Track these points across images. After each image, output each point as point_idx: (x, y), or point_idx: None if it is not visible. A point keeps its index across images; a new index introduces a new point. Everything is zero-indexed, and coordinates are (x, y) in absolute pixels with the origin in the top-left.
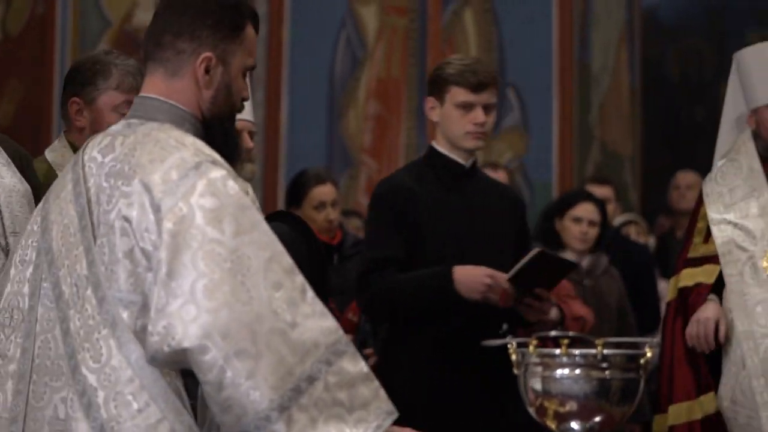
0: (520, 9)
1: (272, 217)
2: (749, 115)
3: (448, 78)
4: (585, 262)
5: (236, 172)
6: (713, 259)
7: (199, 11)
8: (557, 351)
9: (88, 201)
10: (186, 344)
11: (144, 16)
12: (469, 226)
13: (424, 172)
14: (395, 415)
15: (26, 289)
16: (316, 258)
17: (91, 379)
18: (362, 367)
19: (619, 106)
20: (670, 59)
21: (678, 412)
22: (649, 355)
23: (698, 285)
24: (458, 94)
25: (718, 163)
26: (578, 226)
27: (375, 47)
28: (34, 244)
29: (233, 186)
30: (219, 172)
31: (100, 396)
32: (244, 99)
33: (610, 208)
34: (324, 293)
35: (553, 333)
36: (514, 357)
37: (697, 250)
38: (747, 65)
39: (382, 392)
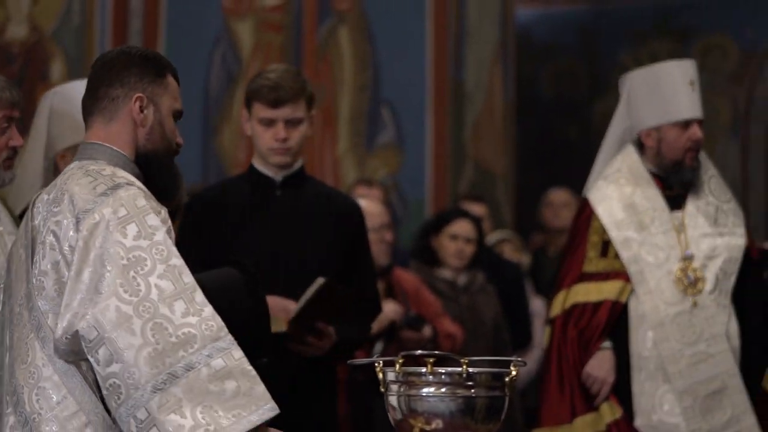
0: (395, 27)
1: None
2: (646, 133)
3: (249, 93)
4: (461, 279)
5: (178, 202)
6: (618, 275)
7: (125, 63)
8: (423, 369)
9: (33, 236)
10: (78, 329)
11: (16, 30)
12: (277, 239)
13: (240, 185)
14: (275, 411)
15: None
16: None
17: (20, 378)
18: (243, 363)
19: (493, 124)
20: (543, 78)
21: None
22: (514, 373)
23: (605, 302)
24: (259, 110)
25: (609, 177)
26: (455, 243)
27: (250, 64)
28: (1, 284)
29: (142, 201)
30: (132, 190)
31: (25, 392)
32: (179, 144)
33: (485, 225)
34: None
35: (418, 352)
36: (380, 375)
37: (595, 264)
38: (648, 84)
39: (263, 389)
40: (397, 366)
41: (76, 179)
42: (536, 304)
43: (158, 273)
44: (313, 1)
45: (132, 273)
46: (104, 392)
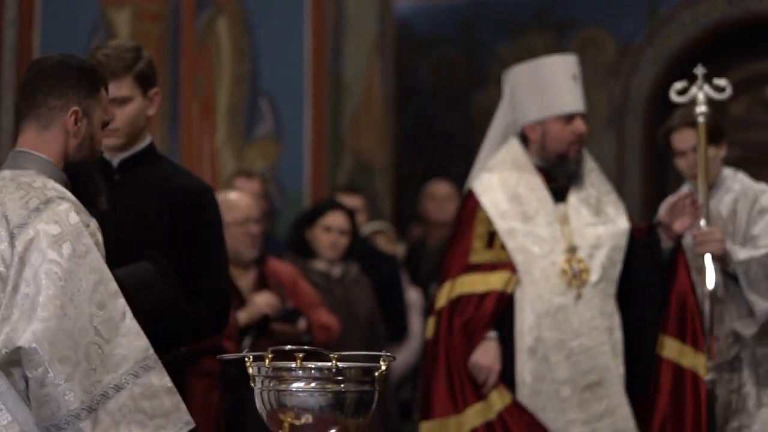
0: (273, 18)
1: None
2: (530, 126)
3: None
4: (336, 270)
5: (98, 206)
6: (504, 266)
7: (63, 74)
8: (292, 364)
9: None
10: (20, 344)
11: None
12: (116, 225)
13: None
14: (191, 426)
15: None
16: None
17: None
18: (166, 381)
19: (372, 116)
20: (424, 70)
21: (434, 429)
22: (383, 368)
23: (491, 292)
24: None
25: (494, 169)
26: (328, 235)
27: None
28: None
29: (74, 217)
30: (65, 205)
31: None
32: (101, 151)
33: (360, 217)
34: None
35: (288, 347)
36: (250, 370)
37: (481, 255)
38: (531, 79)
39: (183, 405)
40: (267, 361)
41: (8, 192)
42: (412, 295)
43: (93, 295)
44: None
45: (69, 294)
46: (34, 403)
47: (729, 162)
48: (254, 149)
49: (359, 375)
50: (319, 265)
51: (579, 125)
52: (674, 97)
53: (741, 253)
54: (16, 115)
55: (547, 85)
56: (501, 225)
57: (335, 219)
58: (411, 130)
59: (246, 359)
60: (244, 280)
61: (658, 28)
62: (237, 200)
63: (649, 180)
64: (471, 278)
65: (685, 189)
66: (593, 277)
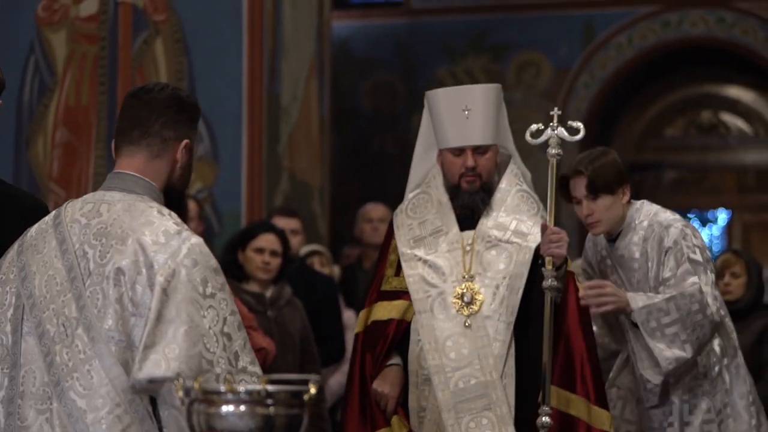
0: (210, 39)
1: None
2: (437, 153)
3: None
4: (268, 292)
5: None
6: (406, 294)
7: (178, 108)
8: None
9: (76, 256)
10: (166, 375)
11: None
12: None
13: None
14: None
15: (8, 328)
16: None
17: (81, 403)
18: None
19: (309, 137)
20: (361, 91)
21: None
22: (312, 391)
23: (391, 321)
24: None
25: (410, 195)
26: (260, 256)
27: (64, 74)
28: (13, 290)
29: (207, 251)
30: (197, 239)
31: (89, 417)
32: None
33: (298, 239)
34: None
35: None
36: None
37: (390, 283)
38: (435, 107)
39: None
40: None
41: (135, 217)
42: (348, 316)
43: (228, 325)
44: (128, 12)
45: (210, 327)
46: (175, 429)
47: (665, 185)
48: None
49: (289, 398)
50: (252, 287)
51: (466, 159)
52: (529, 138)
53: (639, 301)
54: (117, 138)
55: (439, 118)
56: (404, 252)
57: (267, 240)
58: (348, 152)
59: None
60: None
61: (594, 52)
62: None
63: None
64: (381, 306)
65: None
66: (486, 305)
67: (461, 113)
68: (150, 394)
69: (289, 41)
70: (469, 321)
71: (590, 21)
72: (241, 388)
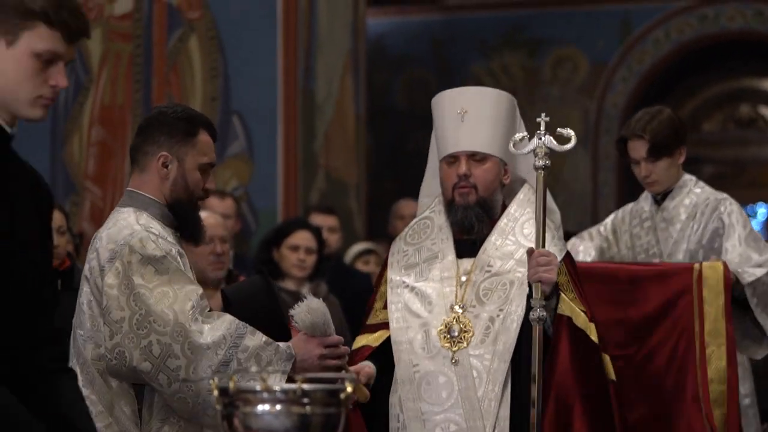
0: (245, 37)
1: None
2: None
3: None
4: (304, 290)
5: (195, 240)
6: (386, 326)
7: (159, 123)
8: (258, 386)
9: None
10: (134, 364)
11: None
12: (9, 220)
13: None
14: (293, 359)
15: None
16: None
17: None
18: (260, 338)
19: (344, 134)
20: (397, 88)
21: None
22: (349, 390)
23: (362, 347)
24: None
25: (413, 221)
26: (295, 254)
27: (99, 73)
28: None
29: (153, 246)
30: (144, 234)
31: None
32: (207, 190)
33: (336, 237)
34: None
35: (253, 368)
36: (215, 393)
37: (376, 316)
38: (436, 112)
39: (279, 346)
40: (231, 383)
41: (107, 226)
42: None
43: (178, 303)
44: (162, 9)
45: (161, 307)
46: (167, 399)
47: (703, 180)
48: (227, 169)
49: (325, 397)
50: (288, 284)
51: (460, 167)
52: (512, 148)
53: (746, 276)
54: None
55: (438, 125)
56: (392, 279)
57: (302, 237)
58: (383, 149)
59: (211, 381)
60: (211, 300)
61: (632, 47)
62: (203, 219)
63: (625, 198)
64: (359, 338)
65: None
66: (475, 341)
67: (457, 116)
68: (130, 380)
69: (324, 38)
70: (455, 357)
71: (627, 15)
72: (277, 387)
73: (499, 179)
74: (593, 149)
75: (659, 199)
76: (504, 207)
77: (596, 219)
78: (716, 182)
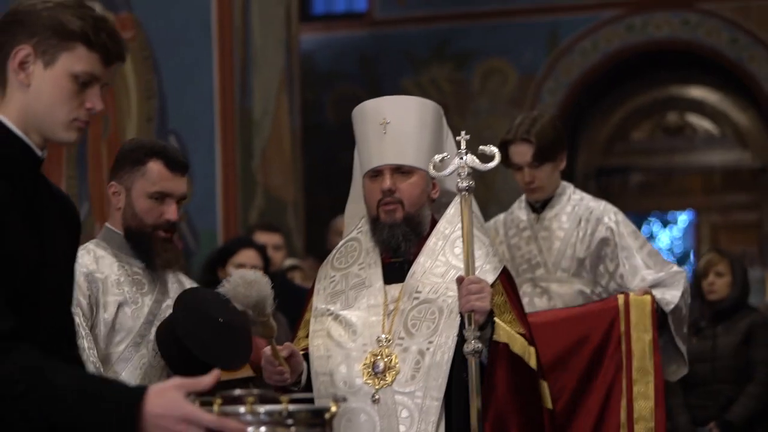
0: (179, 55)
1: None
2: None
3: None
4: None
5: (152, 266)
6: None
7: (117, 158)
8: (242, 409)
9: None
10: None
11: None
12: (39, 245)
13: None
14: None
15: None
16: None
17: None
18: None
19: (281, 151)
20: (327, 104)
21: None
22: (333, 409)
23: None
24: None
25: (339, 244)
26: None
27: None
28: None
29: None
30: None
31: None
32: (167, 221)
33: (281, 254)
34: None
35: (237, 391)
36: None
37: (299, 344)
38: (356, 125)
39: None
40: (216, 406)
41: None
42: None
43: None
44: None
45: None
46: None
47: (632, 188)
48: None
49: (310, 417)
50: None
51: (384, 182)
52: (433, 171)
53: (665, 303)
54: None
55: (359, 138)
56: (317, 307)
57: (247, 256)
58: (316, 166)
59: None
60: None
61: (559, 57)
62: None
63: None
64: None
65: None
66: (401, 377)
67: (379, 128)
68: None
69: (259, 55)
70: (377, 395)
71: (555, 27)
72: (262, 409)
73: (427, 193)
74: None
75: (538, 207)
76: (434, 223)
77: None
78: (645, 190)
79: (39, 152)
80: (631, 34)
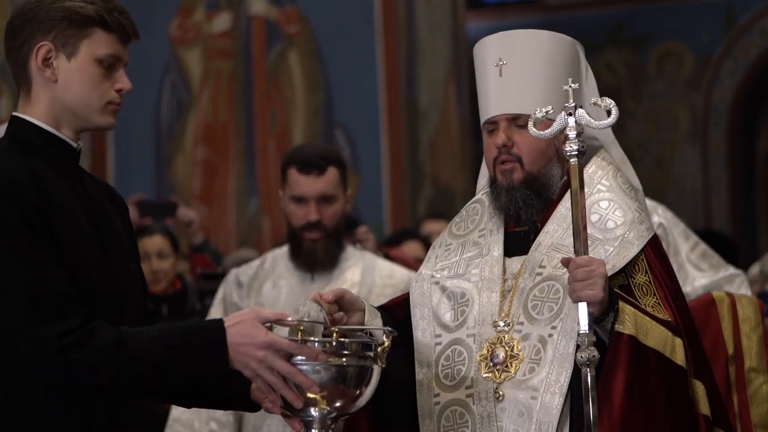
0: (345, 48)
1: None
2: None
3: None
4: None
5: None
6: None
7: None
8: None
9: None
10: None
11: None
12: (97, 232)
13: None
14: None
15: None
16: None
17: None
18: None
19: (449, 142)
20: None
21: None
22: (387, 343)
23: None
24: None
25: (463, 208)
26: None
27: (200, 92)
28: None
29: None
30: None
31: None
32: (302, 220)
33: None
34: None
35: (290, 318)
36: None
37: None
38: (475, 65)
39: None
40: (299, 334)
41: None
42: None
43: None
44: (261, 25)
45: None
46: None
47: None
48: None
49: (360, 349)
50: None
51: (499, 137)
52: (533, 130)
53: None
54: None
55: (477, 82)
56: (421, 272)
57: (411, 248)
58: None
59: None
60: None
61: (736, 38)
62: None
63: (736, 191)
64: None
65: None
66: (524, 367)
67: (494, 70)
68: None
69: (425, 46)
70: (499, 390)
71: (731, 6)
72: (314, 339)
73: (555, 147)
74: (702, 144)
75: None
76: (566, 184)
77: (709, 215)
78: None
79: (74, 144)
80: None
